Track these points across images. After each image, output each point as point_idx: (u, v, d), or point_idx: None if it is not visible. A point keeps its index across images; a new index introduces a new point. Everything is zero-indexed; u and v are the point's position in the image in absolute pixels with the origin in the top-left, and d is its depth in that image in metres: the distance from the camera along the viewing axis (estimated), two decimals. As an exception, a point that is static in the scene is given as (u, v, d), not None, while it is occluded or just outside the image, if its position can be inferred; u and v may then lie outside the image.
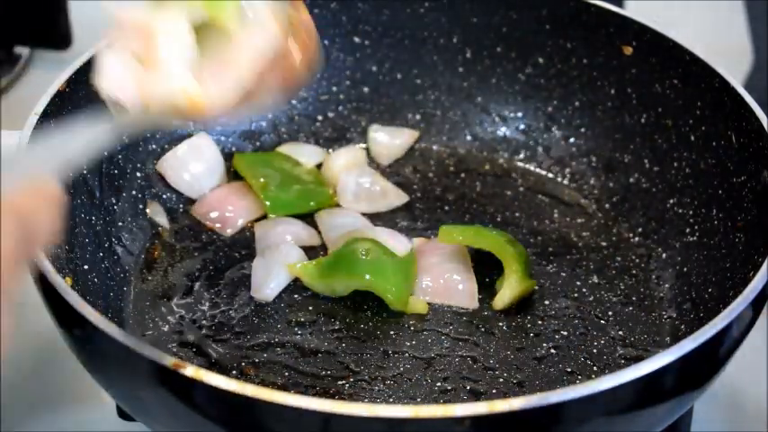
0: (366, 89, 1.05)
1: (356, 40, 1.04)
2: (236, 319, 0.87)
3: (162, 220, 0.95)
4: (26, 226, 0.52)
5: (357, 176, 0.99)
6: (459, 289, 0.89)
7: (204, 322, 0.86)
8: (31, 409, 0.88)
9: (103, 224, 0.89)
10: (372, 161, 1.03)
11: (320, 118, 1.05)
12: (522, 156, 1.04)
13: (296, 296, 0.89)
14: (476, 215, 0.98)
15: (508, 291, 0.88)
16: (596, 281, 0.92)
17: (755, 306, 0.73)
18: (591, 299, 0.90)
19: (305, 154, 1.02)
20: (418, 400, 0.81)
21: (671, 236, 0.94)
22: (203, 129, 1.00)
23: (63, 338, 0.74)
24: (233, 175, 1.00)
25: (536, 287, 0.90)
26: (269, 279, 0.89)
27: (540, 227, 0.97)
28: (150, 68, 0.66)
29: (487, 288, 0.90)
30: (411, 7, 1.02)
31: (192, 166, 0.97)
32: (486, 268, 0.91)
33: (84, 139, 0.60)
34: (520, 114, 1.04)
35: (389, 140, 1.04)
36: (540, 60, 1.02)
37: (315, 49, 0.73)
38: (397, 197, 0.99)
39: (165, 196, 0.97)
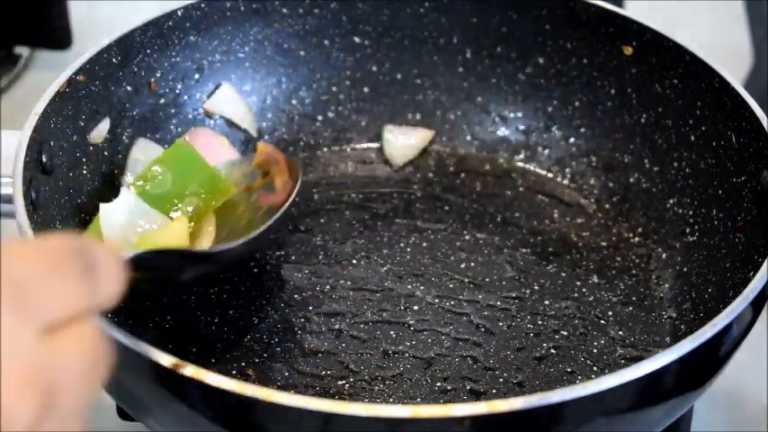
0: (366, 89, 1.05)
1: (356, 40, 1.04)
2: (237, 318, 0.87)
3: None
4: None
5: None
6: None
7: (204, 322, 0.86)
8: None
9: (103, 224, 0.89)
10: (387, 162, 1.03)
11: (320, 118, 1.05)
12: (522, 156, 1.04)
13: (296, 296, 0.89)
14: (476, 215, 0.98)
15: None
16: (596, 281, 0.92)
17: (755, 306, 0.73)
18: (591, 299, 0.90)
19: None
20: (418, 400, 0.81)
21: (671, 236, 0.94)
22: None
23: (63, 338, 0.74)
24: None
25: (536, 287, 0.90)
26: None
27: (540, 227, 0.97)
28: None
29: (487, 285, 0.90)
30: (411, 7, 1.02)
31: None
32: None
33: None
34: (520, 114, 1.04)
35: (403, 141, 1.03)
36: (540, 60, 1.02)
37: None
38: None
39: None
